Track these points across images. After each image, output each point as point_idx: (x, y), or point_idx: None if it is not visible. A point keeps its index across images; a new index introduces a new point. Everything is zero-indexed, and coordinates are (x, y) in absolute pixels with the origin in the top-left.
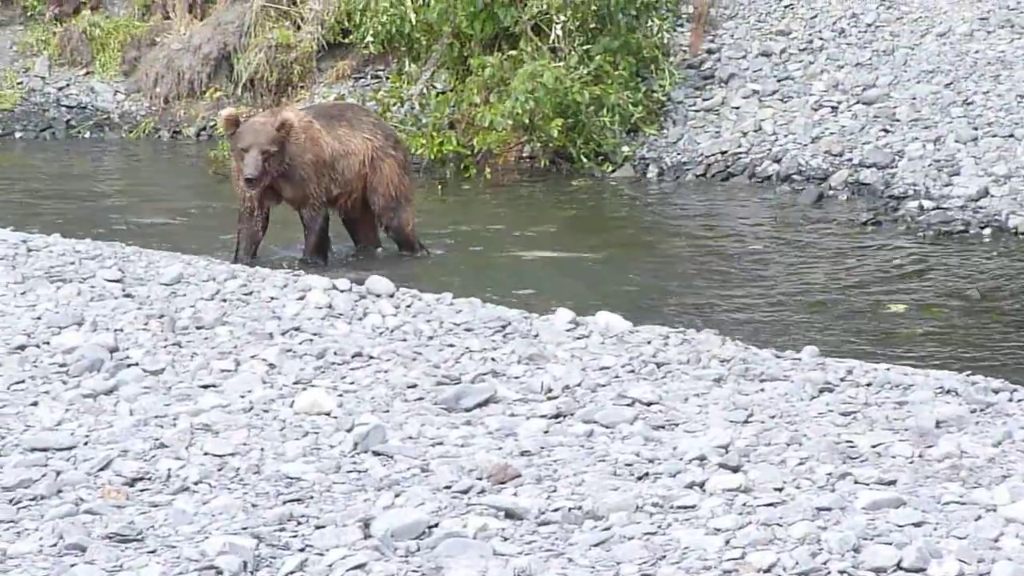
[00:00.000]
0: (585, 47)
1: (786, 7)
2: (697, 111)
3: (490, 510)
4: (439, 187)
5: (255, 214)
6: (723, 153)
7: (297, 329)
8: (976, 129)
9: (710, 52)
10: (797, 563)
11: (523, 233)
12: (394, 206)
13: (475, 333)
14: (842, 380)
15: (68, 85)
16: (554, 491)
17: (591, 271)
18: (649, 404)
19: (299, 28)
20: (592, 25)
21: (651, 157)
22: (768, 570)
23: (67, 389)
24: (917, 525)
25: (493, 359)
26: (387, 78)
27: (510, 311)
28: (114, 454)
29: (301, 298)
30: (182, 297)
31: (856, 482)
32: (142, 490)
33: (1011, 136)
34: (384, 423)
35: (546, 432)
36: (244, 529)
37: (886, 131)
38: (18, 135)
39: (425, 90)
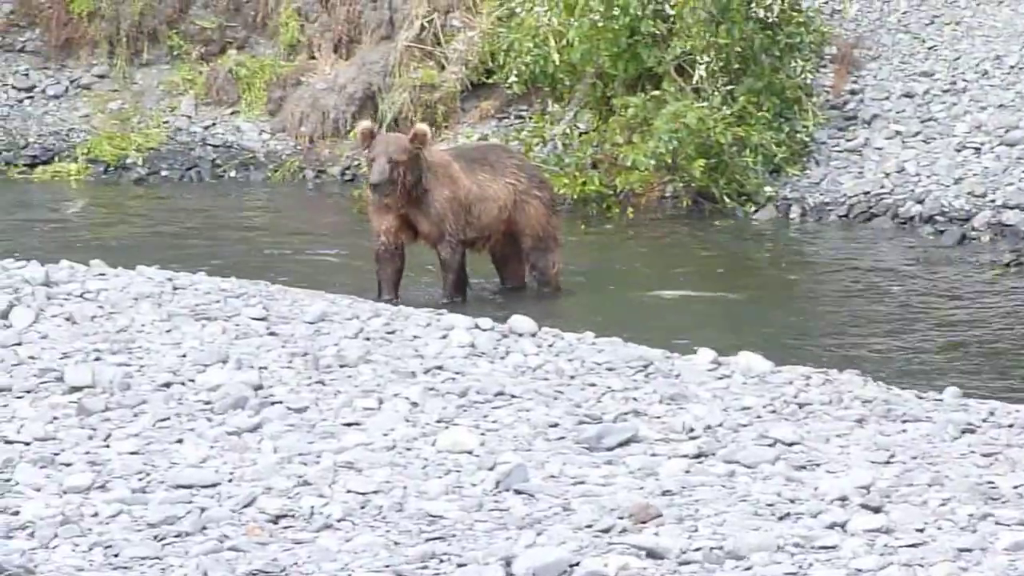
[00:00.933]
0: (728, 87)
1: (929, 49)
2: (840, 152)
3: (631, 549)
4: (582, 227)
5: (391, 250)
6: (866, 194)
7: (440, 368)
8: None
9: (853, 93)
10: None
11: (665, 272)
12: (542, 247)
13: (617, 372)
14: (984, 421)
15: (214, 124)
16: (695, 531)
17: (733, 311)
18: (790, 444)
19: (443, 68)
20: (735, 66)
21: (794, 198)
22: None
23: (212, 426)
24: None
25: (635, 398)
26: (530, 118)
27: (652, 351)
28: (258, 491)
29: (444, 337)
30: (326, 335)
31: (997, 523)
32: (286, 527)
33: None
34: (526, 462)
35: (687, 472)
36: (387, 567)
37: None
38: (164, 174)
39: (568, 130)
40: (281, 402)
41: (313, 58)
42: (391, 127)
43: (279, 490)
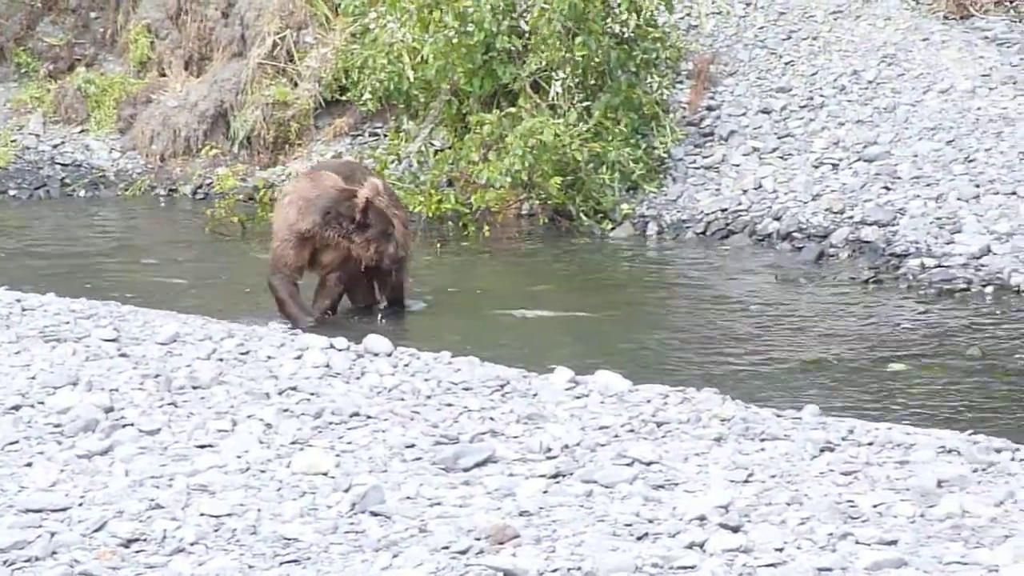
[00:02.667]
0: (585, 104)
1: (786, 64)
2: (697, 168)
3: (488, 571)
4: (437, 245)
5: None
6: (723, 211)
7: (294, 388)
8: (978, 187)
9: (710, 109)
10: None
11: (522, 291)
12: (400, 266)
13: (474, 392)
14: (843, 439)
15: (63, 143)
16: (553, 552)
17: (590, 330)
18: (649, 464)
19: (296, 85)
20: (592, 82)
21: (651, 215)
22: None
23: (62, 449)
24: None
25: (492, 418)
26: (385, 135)
27: (509, 370)
28: (109, 515)
29: (298, 357)
30: (178, 356)
31: (857, 542)
32: (138, 551)
33: (1013, 193)
34: (382, 483)
35: (545, 492)
36: None
37: (887, 188)
38: (12, 193)
39: (423, 147)
40: (133, 424)
41: (164, 75)
42: (243, 144)
43: (131, 513)
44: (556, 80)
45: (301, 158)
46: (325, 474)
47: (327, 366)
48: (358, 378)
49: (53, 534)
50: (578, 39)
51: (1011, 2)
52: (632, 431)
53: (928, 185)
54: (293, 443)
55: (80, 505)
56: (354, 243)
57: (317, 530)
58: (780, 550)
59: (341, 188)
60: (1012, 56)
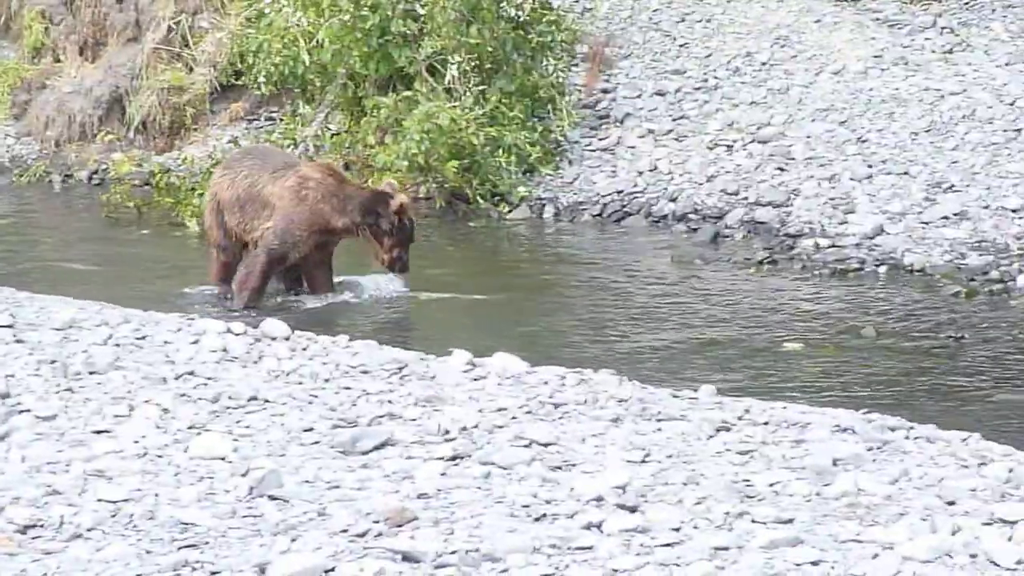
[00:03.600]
0: (480, 87)
1: (680, 46)
2: (593, 151)
3: (387, 553)
4: None
5: None
6: (619, 192)
7: (191, 373)
8: (871, 167)
9: (605, 92)
10: None
11: (420, 274)
12: None
13: (372, 375)
14: (739, 419)
15: None
16: (451, 534)
17: (488, 312)
18: (546, 445)
19: (191, 70)
20: (487, 66)
21: (548, 197)
22: None
23: None
24: (815, 564)
25: (390, 401)
26: (281, 119)
27: (407, 353)
28: (5, 501)
29: (195, 342)
30: (75, 342)
31: (754, 521)
32: (35, 537)
33: (905, 174)
34: (280, 467)
35: (443, 474)
36: None
37: (781, 169)
38: None
39: (320, 131)
40: (29, 410)
41: (59, 61)
42: (139, 130)
43: (28, 499)
44: (452, 64)
45: (197, 143)
46: (223, 459)
47: (224, 350)
48: (256, 362)
49: None
50: (472, 27)
51: None
52: (530, 413)
53: (821, 166)
54: (190, 428)
55: None
56: (382, 244)
57: (215, 515)
58: (677, 529)
59: (374, 189)
60: (903, 37)
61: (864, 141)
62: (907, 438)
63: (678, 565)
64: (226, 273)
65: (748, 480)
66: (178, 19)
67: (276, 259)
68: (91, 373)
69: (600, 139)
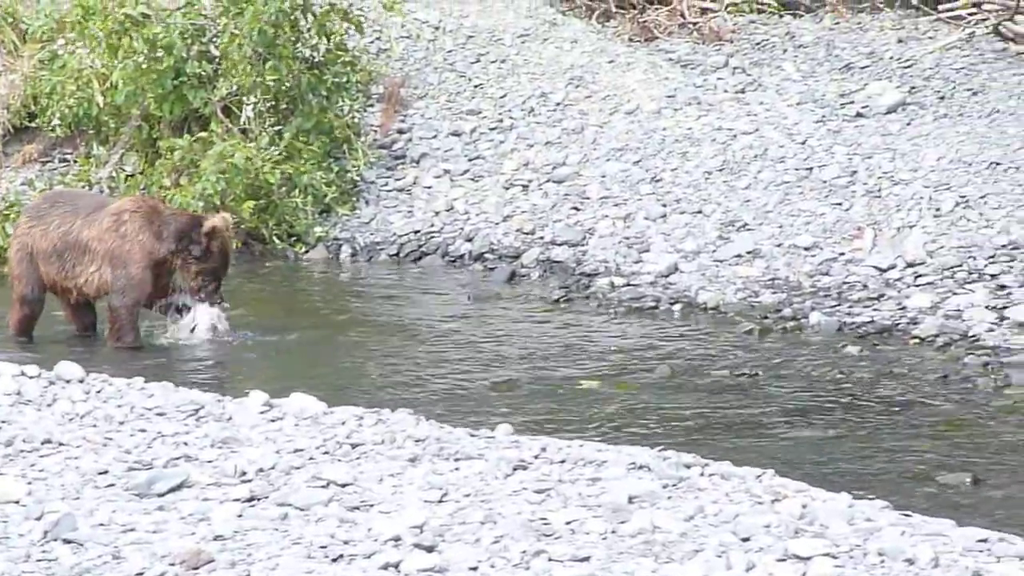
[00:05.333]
0: (276, 128)
1: (476, 87)
2: (390, 191)
3: None
4: None
5: None
6: (416, 232)
7: None
8: (665, 206)
9: (401, 132)
10: None
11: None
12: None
13: (167, 417)
14: (536, 457)
15: None
16: (248, 575)
17: (285, 353)
18: (344, 485)
19: None
20: (283, 106)
21: (344, 238)
22: None
23: None
24: None
25: (186, 443)
26: (75, 161)
27: (203, 395)
28: None
29: None
30: None
31: (551, 559)
32: None
33: (699, 212)
34: (75, 510)
35: (240, 516)
36: None
37: (577, 209)
38: None
39: (114, 173)
40: None
41: None
42: None
43: None
44: (247, 104)
45: None
46: (16, 502)
47: (18, 393)
48: (50, 405)
49: None
50: (268, 64)
51: (693, 25)
52: (327, 453)
53: (616, 205)
54: None
55: None
56: (189, 271)
57: (9, 559)
58: (475, 568)
59: (190, 214)
60: (696, 77)
61: (658, 180)
62: (702, 475)
63: None
64: (26, 325)
65: (545, 518)
66: None
67: (131, 305)
68: None
69: (396, 179)
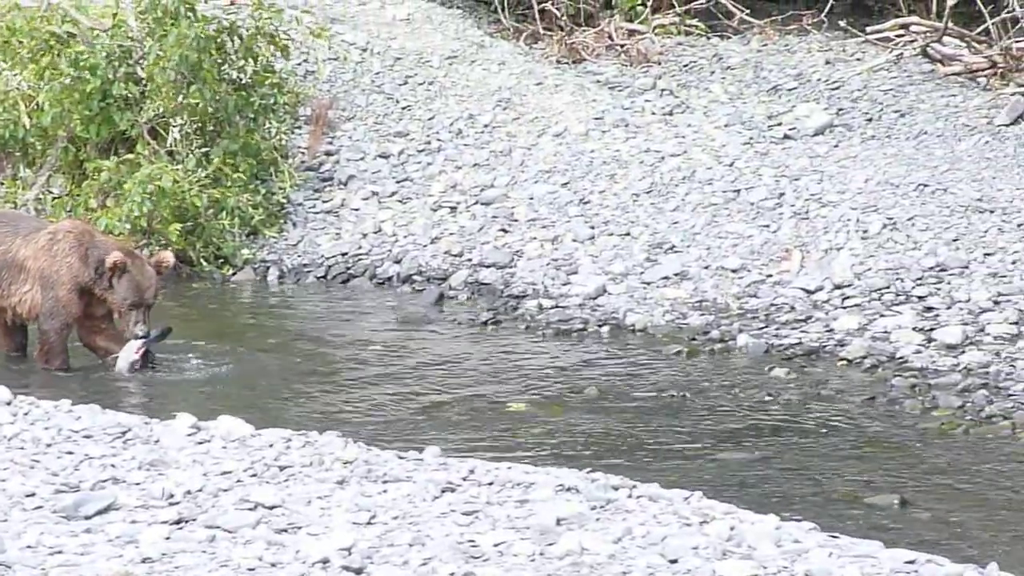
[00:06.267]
0: (203, 150)
1: (403, 109)
2: (317, 213)
3: None
4: None
5: None
6: (343, 255)
7: None
8: (593, 228)
9: (329, 154)
10: None
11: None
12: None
13: (94, 440)
14: (464, 479)
15: None
16: None
17: (213, 375)
18: (272, 507)
19: None
20: (210, 128)
21: (272, 260)
22: None
23: None
24: None
25: (113, 465)
26: (1, 183)
27: (130, 417)
28: None
29: None
30: None
31: None
32: None
33: (627, 234)
34: (2, 533)
35: (168, 538)
36: None
37: (505, 231)
38: None
39: (41, 195)
40: None
41: None
42: None
43: None
44: (174, 127)
45: None
46: None
47: None
48: None
49: None
50: (192, 87)
51: (621, 47)
52: (255, 475)
53: (544, 227)
54: None
55: None
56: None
57: None
58: None
59: (117, 245)
60: (623, 99)
61: (586, 202)
62: (630, 497)
63: None
64: None
65: (473, 540)
66: None
67: (59, 328)
68: None
69: (324, 201)
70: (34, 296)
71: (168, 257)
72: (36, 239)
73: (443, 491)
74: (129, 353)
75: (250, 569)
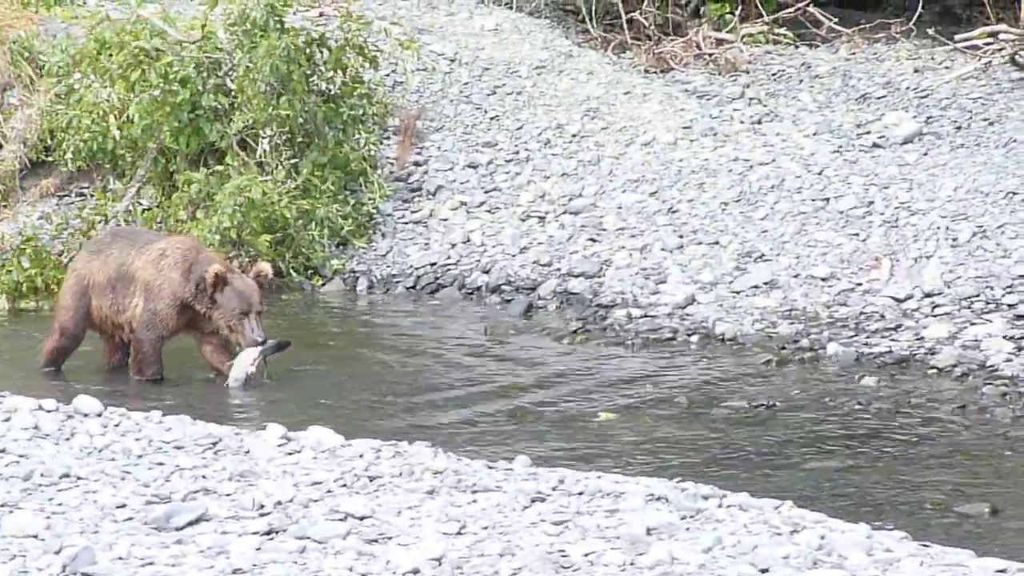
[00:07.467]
0: (292, 161)
1: (492, 119)
2: (406, 223)
3: None
4: None
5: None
6: (432, 265)
7: (2, 451)
8: (682, 237)
9: (417, 164)
10: None
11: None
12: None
13: (185, 451)
14: (554, 490)
15: None
16: None
17: (303, 386)
18: (362, 518)
19: (0, 147)
20: (299, 139)
21: (361, 270)
22: None
23: None
24: None
25: (204, 476)
26: (92, 195)
27: (221, 428)
28: None
29: (7, 419)
30: None
31: None
32: None
33: (716, 243)
34: (93, 544)
35: (258, 549)
36: None
37: (593, 240)
38: None
39: (131, 207)
40: None
41: None
42: None
43: None
44: (263, 138)
45: (6, 220)
46: (35, 536)
47: (36, 427)
48: (68, 439)
49: None
50: (282, 98)
51: (709, 56)
52: (345, 486)
53: (633, 237)
54: (2, 506)
55: None
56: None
57: None
58: None
59: (220, 260)
60: (711, 108)
61: (675, 211)
62: (720, 506)
63: None
64: (58, 356)
65: (563, 550)
66: None
67: (154, 340)
68: None
69: (413, 212)
70: (139, 307)
71: (266, 268)
72: (149, 252)
73: (533, 501)
74: (244, 366)
75: None
